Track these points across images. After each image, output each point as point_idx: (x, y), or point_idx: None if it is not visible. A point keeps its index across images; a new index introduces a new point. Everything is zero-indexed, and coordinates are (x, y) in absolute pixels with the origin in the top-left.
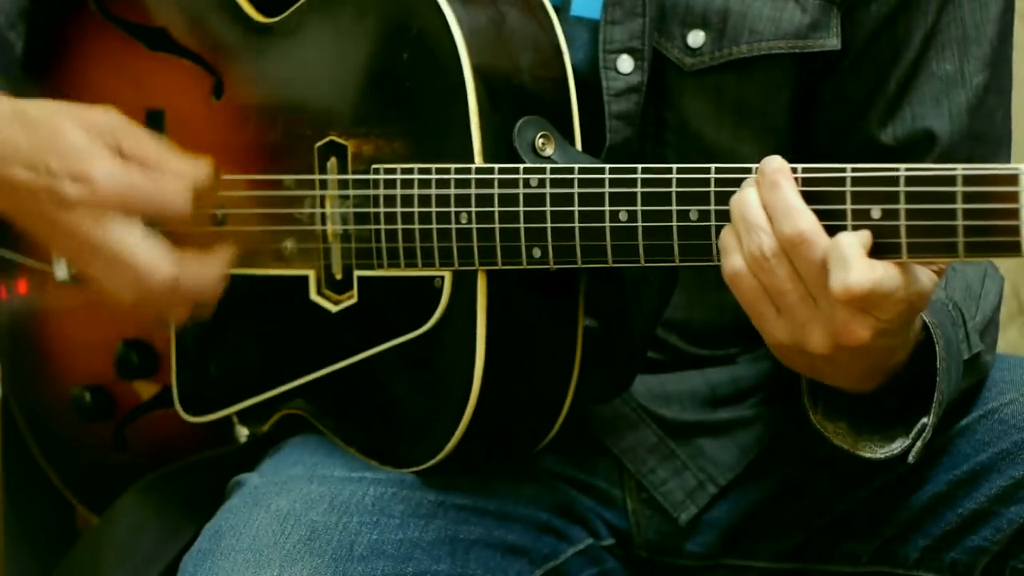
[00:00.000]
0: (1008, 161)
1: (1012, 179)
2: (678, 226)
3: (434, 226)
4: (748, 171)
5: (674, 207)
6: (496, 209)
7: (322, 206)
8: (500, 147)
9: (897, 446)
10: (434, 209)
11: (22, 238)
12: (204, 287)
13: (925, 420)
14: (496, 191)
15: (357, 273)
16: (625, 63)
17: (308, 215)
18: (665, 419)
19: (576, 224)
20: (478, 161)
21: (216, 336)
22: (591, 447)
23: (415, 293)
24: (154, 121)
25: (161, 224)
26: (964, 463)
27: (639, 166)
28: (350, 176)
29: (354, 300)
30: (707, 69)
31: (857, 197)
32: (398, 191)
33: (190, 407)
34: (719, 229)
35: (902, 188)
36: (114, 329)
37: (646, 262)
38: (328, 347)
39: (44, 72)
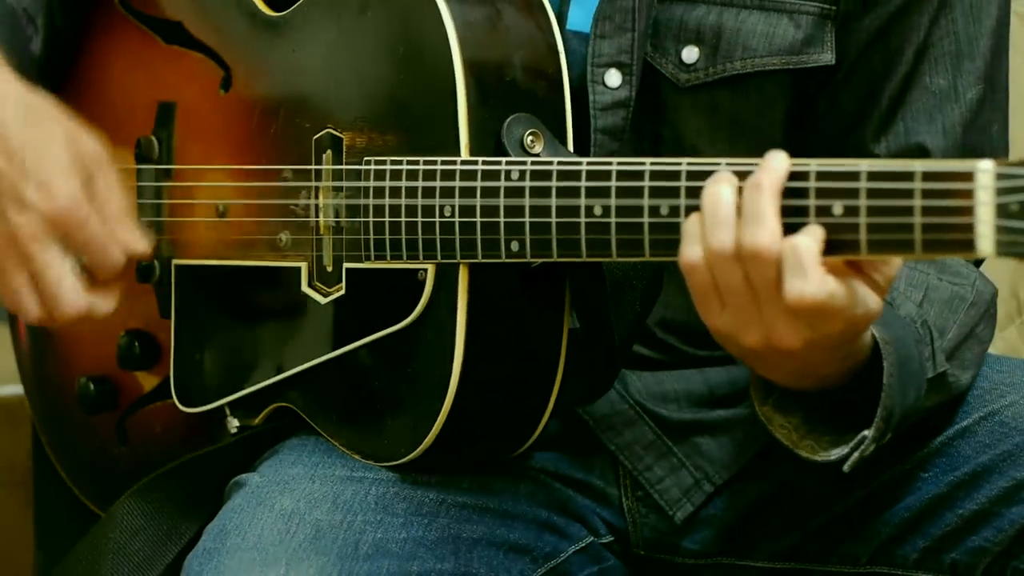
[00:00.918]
0: None
1: (968, 176)
2: (649, 221)
3: (419, 219)
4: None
5: (646, 201)
6: (478, 202)
7: (316, 198)
8: (488, 142)
9: (836, 453)
10: (420, 202)
11: None
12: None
13: (866, 432)
14: (479, 183)
15: (346, 265)
16: (613, 77)
17: (303, 207)
18: (662, 417)
19: (553, 219)
20: (464, 155)
21: (211, 327)
22: (587, 445)
23: (399, 286)
24: (166, 113)
25: (88, 269)
26: (964, 464)
27: (615, 159)
28: (344, 167)
29: (342, 292)
30: (701, 85)
31: (821, 193)
32: (387, 183)
33: (185, 398)
34: None
35: (863, 184)
36: (117, 319)
37: (618, 256)
38: (316, 339)
39: (66, 63)
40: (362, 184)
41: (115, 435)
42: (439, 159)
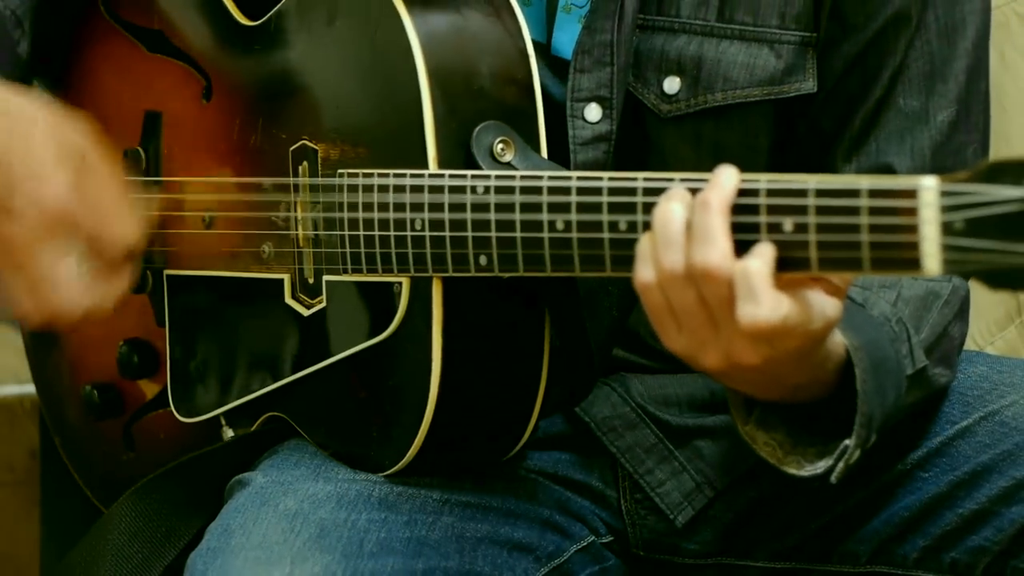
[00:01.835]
0: None
1: (911, 193)
2: (609, 237)
3: (392, 233)
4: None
5: (605, 217)
6: (446, 216)
7: (295, 210)
8: (458, 153)
9: (822, 465)
10: (391, 215)
11: None
12: (103, 311)
13: (847, 442)
14: (446, 198)
15: (325, 278)
16: (593, 112)
17: (283, 219)
18: (664, 421)
19: (518, 233)
20: (433, 167)
21: (204, 337)
22: (587, 447)
23: (377, 299)
24: (152, 123)
25: (94, 256)
26: (964, 464)
27: (574, 174)
28: (320, 181)
29: (323, 304)
30: (684, 116)
31: (772, 209)
32: (360, 197)
33: (182, 408)
34: None
35: (811, 201)
36: (116, 329)
37: (582, 271)
38: (301, 351)
39: (55, 69)
40: (336, 198)
41: (122, 441)
42: (408, 172)
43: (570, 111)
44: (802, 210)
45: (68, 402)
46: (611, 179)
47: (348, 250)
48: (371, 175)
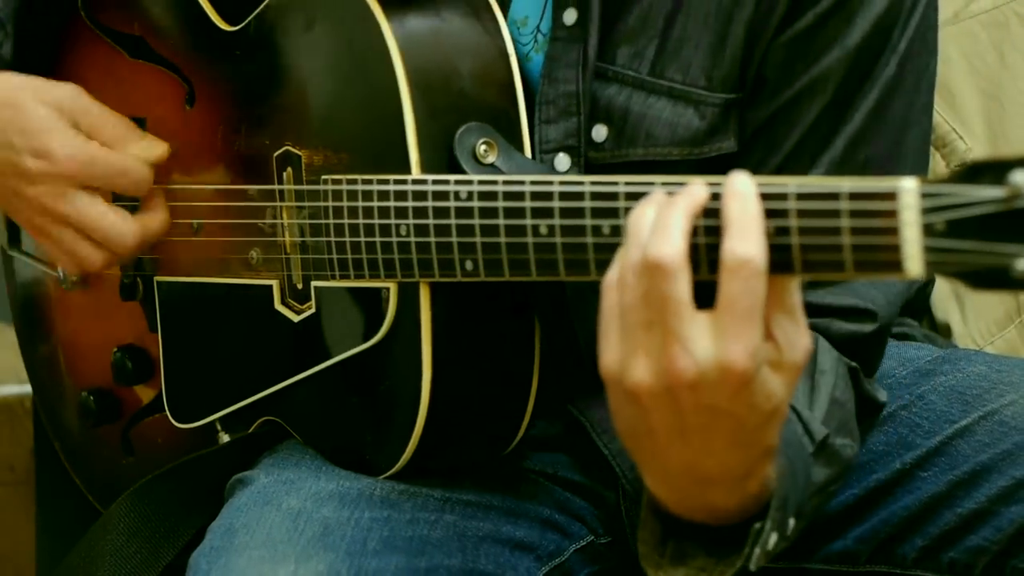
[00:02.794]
0: None
1: (891, 195)
2: (593, 241)
3: (377, 239)
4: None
5: (588, 221)
6: (431, 222)
7: (281, 216)
8: (441, 156)
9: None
10: (376, 221)
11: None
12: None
13: (758, 525)
14: (430, 204)
15: (313, 283)
16: (562, 162)
17: (270, 225)
18: None
19: (502, 238)
20: (415, 171)
21: (196, 343)
22: (585, 448)
23: (366, 304)
24: None
25: (121, 195)
26: (964, 464)
27: (556, 178)
28: (304, 187)
29: (312, 310)
30: (608, 166)
31: None
32: (344, 203)
33: (178, 413)
34: None
35: (792, 204)
36: (110, 335)
37: (567, 276)
38: (292, 357)
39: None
40: (322, 204)
41: (121, 446)
42: (391, 178)
43: (539, 161)
44: (783, 214)
45: (66, 409)
46: (593, 183)
47: (335, 256)
48: (355, 181)
